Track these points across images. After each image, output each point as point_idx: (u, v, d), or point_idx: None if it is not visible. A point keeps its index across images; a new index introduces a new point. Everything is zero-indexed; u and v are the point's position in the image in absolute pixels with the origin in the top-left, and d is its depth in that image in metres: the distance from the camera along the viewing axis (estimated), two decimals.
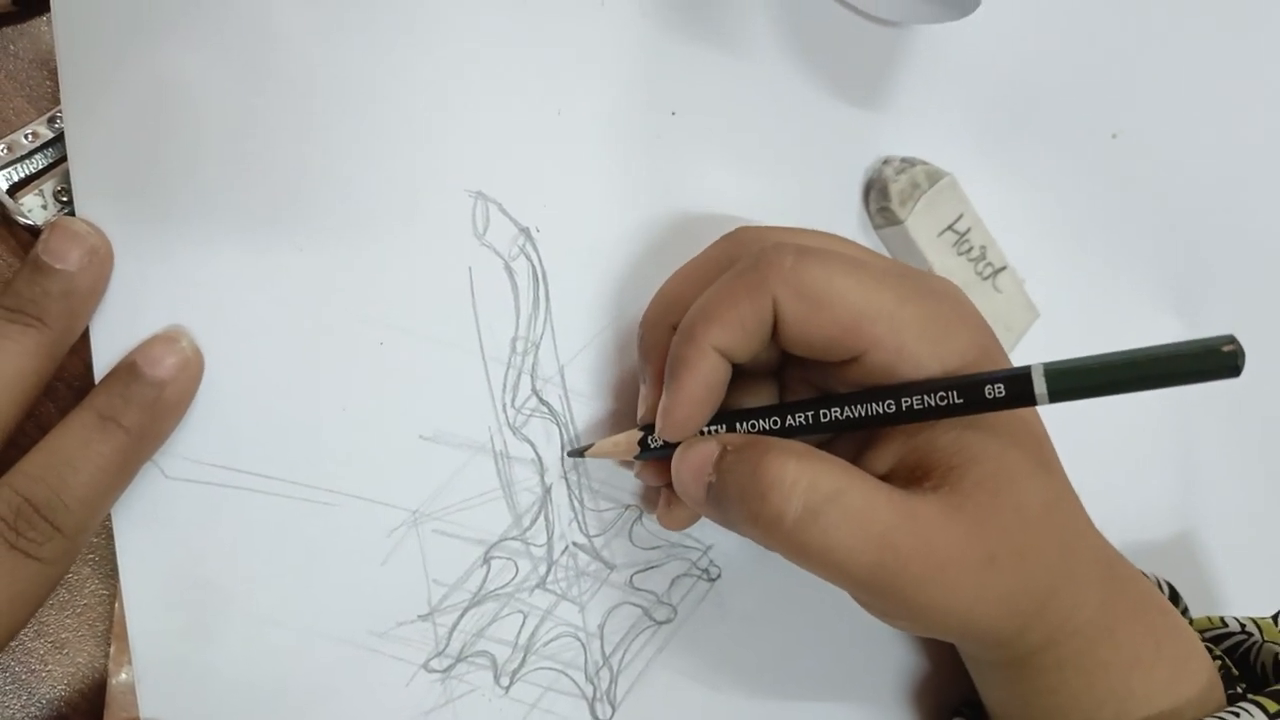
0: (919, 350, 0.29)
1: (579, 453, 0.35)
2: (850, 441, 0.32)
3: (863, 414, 0.29)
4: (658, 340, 0.32)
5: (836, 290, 0.29)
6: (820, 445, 0.31)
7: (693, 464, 0.30)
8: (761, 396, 0.33)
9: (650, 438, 0.32)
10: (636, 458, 0.33)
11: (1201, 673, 0.32)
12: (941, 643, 0.38)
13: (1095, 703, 0.31)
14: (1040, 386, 0.26)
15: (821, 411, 0.30)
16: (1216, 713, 0.31)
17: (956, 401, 0.28)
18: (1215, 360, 0.24)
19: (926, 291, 0.30)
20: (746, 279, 0.29)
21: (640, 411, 0.33)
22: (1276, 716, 0.30)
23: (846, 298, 0.29)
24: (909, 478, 0.29)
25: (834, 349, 0.29)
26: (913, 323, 0.29)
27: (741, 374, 0.31)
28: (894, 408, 0.29)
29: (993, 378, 0.27)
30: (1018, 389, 0.27)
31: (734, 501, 0.29)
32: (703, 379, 0.29)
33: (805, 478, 0.28)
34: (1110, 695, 0.31)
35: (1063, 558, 0.30)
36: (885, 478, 0.30)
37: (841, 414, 0.29)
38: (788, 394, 0.33)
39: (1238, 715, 0.31)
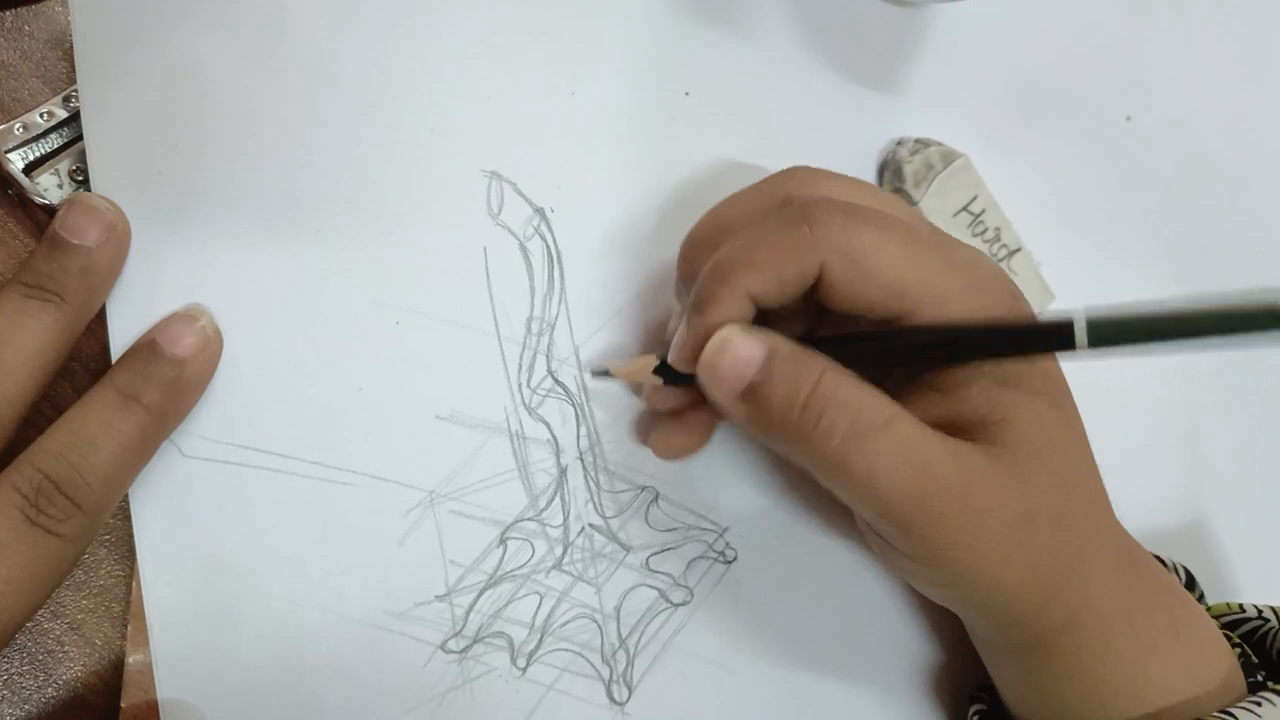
0: (959, 312, 0.29)
1: (604, 373, 0.34)
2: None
3: (905, 345, 0.29)
4: (701, 264, 0.31)
5: (885, 257, 0.28)
6: None
7: (736, 357, 0.28)
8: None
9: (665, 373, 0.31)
10: (665, 382, 0.32)
11: (1220, 660, 0.32)
12: (957, 628, 0.38)
13: (1111, 689, 0.31)
14: (1081, 333, 0.25)
15: (867, 344, 0.29)
16: (1238, 703, 0.31)
17: (1000, 338, 0.28)
18: (1264, 318, 0.23)
19: (964, 259, 0.30)
20: (796, 235, 0.29)
21: (671, 328, 0.32)
22: None
23: (895, 264, 0.28)
24: (948, 430, 0.29)
25: (876, 310, 0.29)
26: (954, 288, 0.29)
27: (765, 313, 0.31)
28: (940, 340, 0.28)
29: (1034, 320, 0.27)
30: (1057, 331, 0.26)
31: (778, 408, 0.28)
32: (727, 319, 0.29)
33: (858, 399, 0.27)
34: (1127, 682, 0.31)
35: (1090, 531, 0.30)
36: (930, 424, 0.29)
37: (884, 346, 0.29)
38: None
39: (1259, 705, 0.30)
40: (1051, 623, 0.31)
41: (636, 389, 0.35)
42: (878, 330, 0.30)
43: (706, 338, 0.29)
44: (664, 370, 0.31)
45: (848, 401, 0.27)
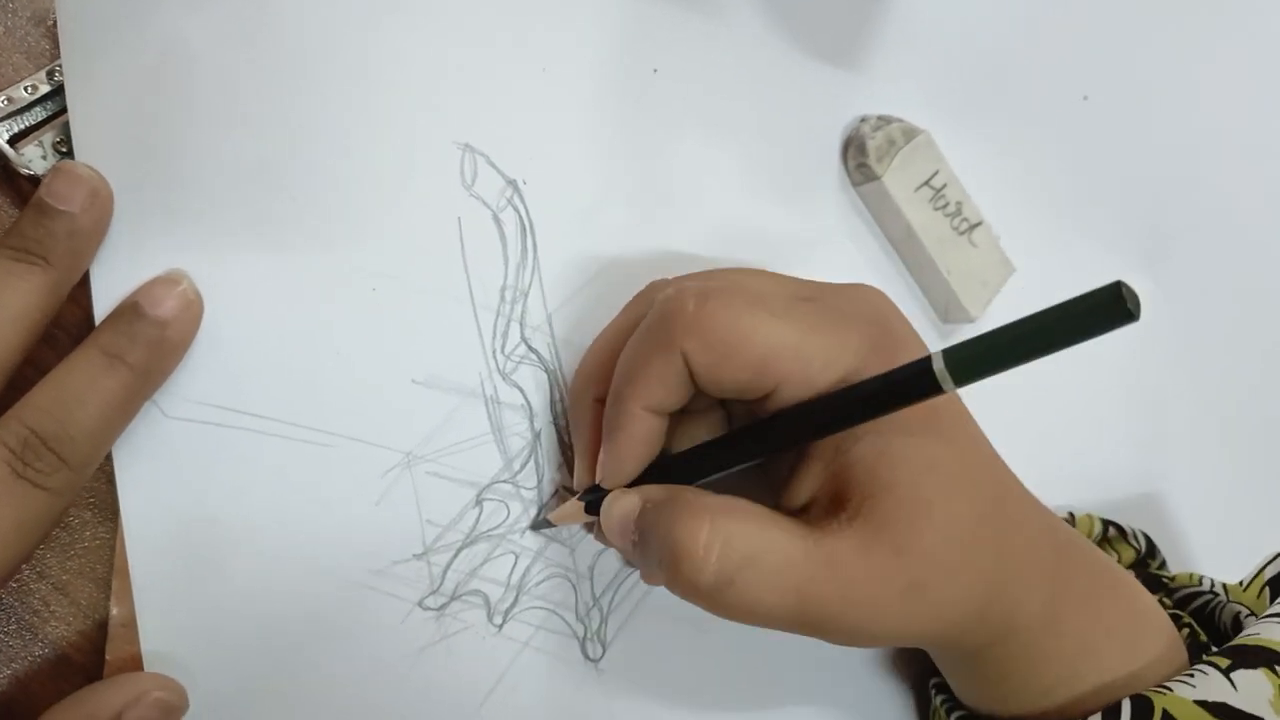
0: (826, 376, 0.29)
1: (543, 524, 0.35)
2: (779, 469, 0.32)
3: (776, 432, 0.30)
4: (582, 414, 0.33)
5: (742, 333, 0.29)
6: (752, 472, 0.32)
7: (616, 521, 0.30)
8: (710, 425, 0.33)
9: (590, 502, 0.33)
10: (591, 515, 0.33)
11: (1158, 640, 0.33)
12: None
13: (1043, 689, 0.33)
14: (943, 374, 0.25)
15: (737, 445, 0.31)
16: (1174, 677, 0.32)
17: (863, 402, 0.27)
18: (1111, 311, 0.22)
19: (833, 311, 0.30)
20: (654, 335, 0.30)
21: (575, 479, 0.34)
22: (1230, 670, 0.31)
23: (752, 339, 0.29)
24: (829, 506, 0.29)
25: (747, 390, 0.29)
26: (816, 349, 0.29)
27: (687, 410, 0.32)
28: (803, 419, 0.29)
29: (891, 374, 0.27)
30: (918, 380, 0.26)
31: (654, 563, 0.29)
32: (637, 437, 0.31)
33: (719, 540, 0.28)
34: (1058, 681, 0.32)
35: (1000, 564, 0.30)
36: (806, 507, 0.30)
37: (756, 439, 0.30)
38: (734, 419, 0.34)
39: (1192, 676, 0.31)
40: (976, 643, 0.32)
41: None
42: (744, 428, 0.31)
43: (630, 459, 0.31)
44: (591, 506, 0.33)
45: (710, 544, 0.28)
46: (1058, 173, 0.46)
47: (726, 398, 0.31)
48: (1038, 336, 0.23)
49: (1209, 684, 0.31)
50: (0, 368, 0.28)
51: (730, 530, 0.28)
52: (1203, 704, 0.30)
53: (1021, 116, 0.45)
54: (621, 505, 0.30)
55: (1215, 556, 0.47)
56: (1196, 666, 0.32)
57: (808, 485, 0.30)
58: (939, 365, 0.25)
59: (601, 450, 0.32)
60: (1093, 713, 0.31)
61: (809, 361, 0.29)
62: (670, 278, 0.33)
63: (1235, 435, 0.49)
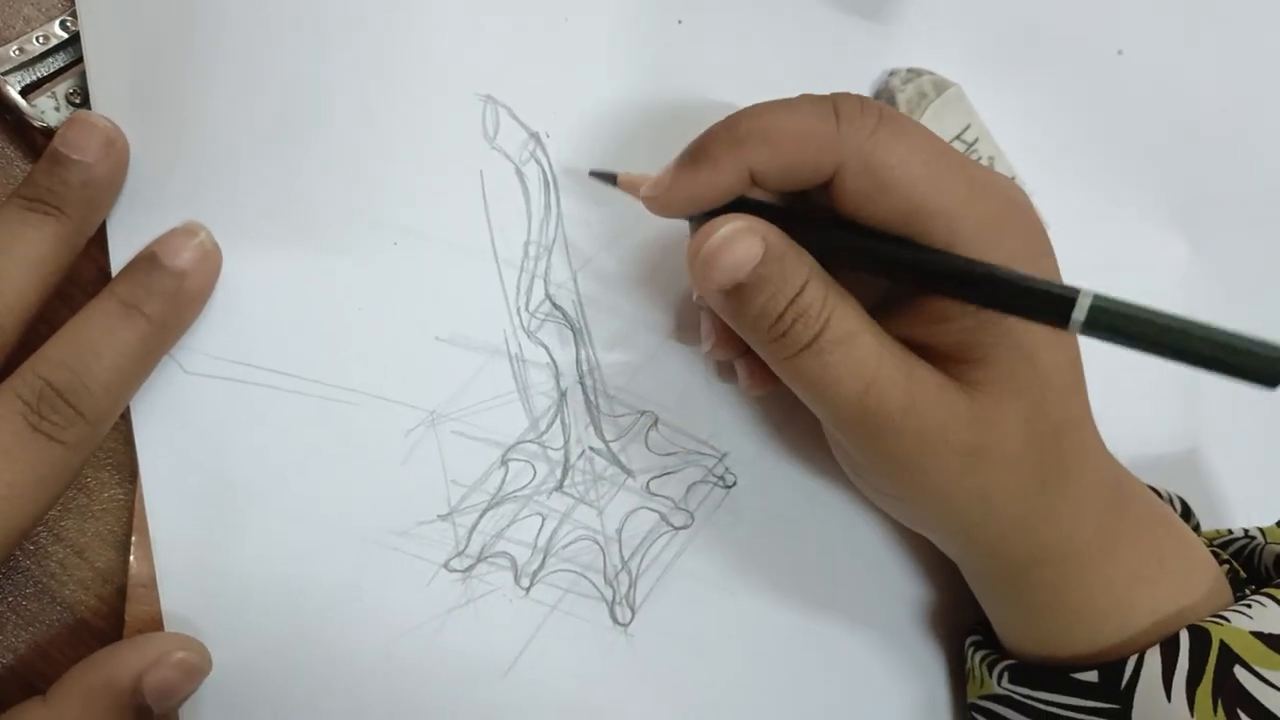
0: (967, 250, 0.28)
1: (604, 176, 0.33)
2: (876, 288, 0.31)
3: (900, 264, 0.28)
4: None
5: (909, 178, 0.27)
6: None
7: (734, 256, 0.28)
8: None
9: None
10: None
11: (1207, 577, 0.33)
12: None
13: (1097, 617, 0.32)
14: (1081, 313, 0.25)
15: (865, 250, 0.29)
16: (1228, 608, 0.31)
17: (993, 290, 0.27)
18: (1262, 364, 0.23)
19: (994, 192, 0.29)
20: (822, 128, 0.28)
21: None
22: None
23: (916, 187, 0.27)
24: (932, 354, 0.29)
25: (883, 225, 0.28)
26: (971, 224, 0.28)
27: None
28: (935, 273, 0.28)
29: (1037, 287, 0.26)
30: (1053, 304, 0.26)
31: (754, 313, 0.28)
32: (719, 187, 0.28)
33: (828, 313, 0.28)
34: (1113, 609, 0.31)
35: (1062, 481, 0.30)
36: (905, 341, 0.29)
37: (879, 258, 0.29)
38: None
39: (1250, 607, 0.31)
40: (1017, 556, 0.31)
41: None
42: (878, 243, 0.29)
43: (687, 196, 0.29)
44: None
45: (819, 314, 0.28)
46: (1091, 128, 0.45)
47: (856, 218, 0.28)
48: (1185, 344, 0.24)
49: (1266, 615, 0.30)
50: (15, 318, 0.28)
51: (842, 308, 0.28)
52: (1259, 635, 0.29)
53: (1054, 70, 0.44)
54: (744, 244, 0.28)
55: (1251, 514, 0.46)
56: (1253, 597, 0.31)
57: (906, 328, 0.30)
58: (1083, 305, 0.25)
59: (670, 168, 0.29)
60: (1146, 647, 0.30)
61: (957, 230, 0.28)
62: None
63: (1274, 397, 0.48)
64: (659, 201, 0.29)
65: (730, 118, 0.29)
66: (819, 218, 0.29)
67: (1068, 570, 0.31)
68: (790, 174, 0.28)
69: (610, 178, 0.33)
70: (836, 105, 0.28)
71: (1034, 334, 0.29)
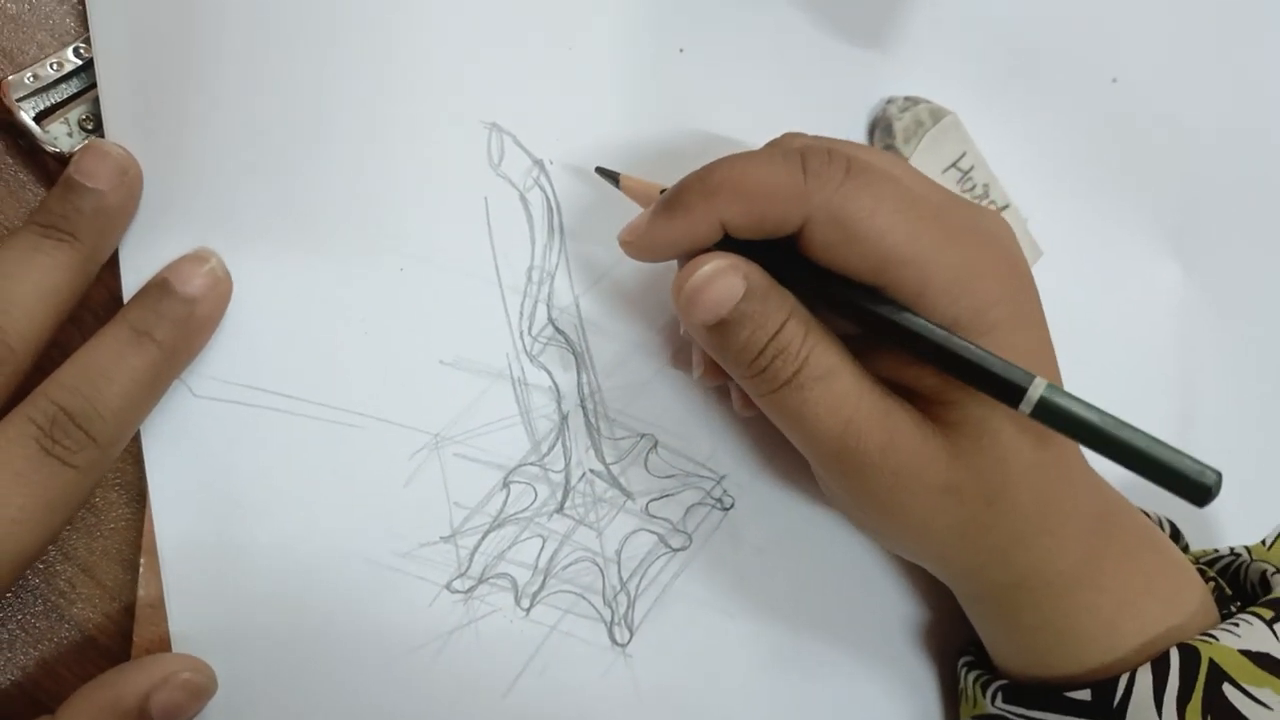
0: (938, 300, 0.28)
1: (608, 174, 0.34)
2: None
3: (870, 317, 0.29)
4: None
5: (877, 228, 0.28)
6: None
7: (717, 293, 0.29)
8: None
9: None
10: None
11: (1193, 601, 0.33)
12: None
13: (1082, 641, 0.32)
14: (1028, 406, 0.28)
15: (837, 295, 0.30)
16: (1214, 627, 0.32)
17: (951, 360, 0.28)
18: (1191, 486, 0.27)
19: (968, 236, 0.29)
20: (790, 181, 0.28)
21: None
22: (1273, 622, 0.31)
23: (884, 238, 0.28)
24: (910, 393, 0.30)
25: (853, 274, 0.29)
26: (942, 271, 0.28)
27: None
28: (898, 332, 0.29)
29: (990, 370, 0.28)
30: (1005, 386, 0.28)
31: (737, 348, 0.29)
32: (692, 235, 0.29)
33: (808, 350, 0.29)
34: (1099, 633, 0.32)
35: (1041, 513, 0.30)
36: (885, 380, 0.30)
37: (850, 308, 0.30)
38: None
39: (1238, 625, 0.31)
40: (997, 580, 0.32)
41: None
42: (850, 292, 0.29)
43: (662, 243, 0.30)
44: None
45: (798, 352, 0.29)
46: (1086, 155, 0.45)
47: (827, 268, 0.29)
48: (1120, 448, 0.27)
49: (1253, 634, 0.31)
50: (27, 345, 0.28)
51: (821, 345, 0.29)
52: (1247, 653, 0.30)
53: (1049, 99, 0.44)
54: (726, 281, 0.29)
55: (1240, 534, 0.47)
56: (1240, 616, 0.32)
57: (884, 366, 0.31)
58: (1032, 397, 0.27)
59: (645, 215, 0.30)
60: (1134, 667, 0.31)
61: (928, 279, 0.28)
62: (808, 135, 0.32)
63: (1268, 418, 0.48)
64: (635, 246, 0.31)
65: (704, 169, 0.29)
66: (797, 260, 0.30)
67: (1048, 595, 0.32)
68: (760, 225, 0.29)
69: (614, 176, 0.34)
70: (804, 158, 0.28)
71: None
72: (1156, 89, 0.46)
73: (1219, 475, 0.27)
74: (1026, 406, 0.27)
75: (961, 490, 0.29)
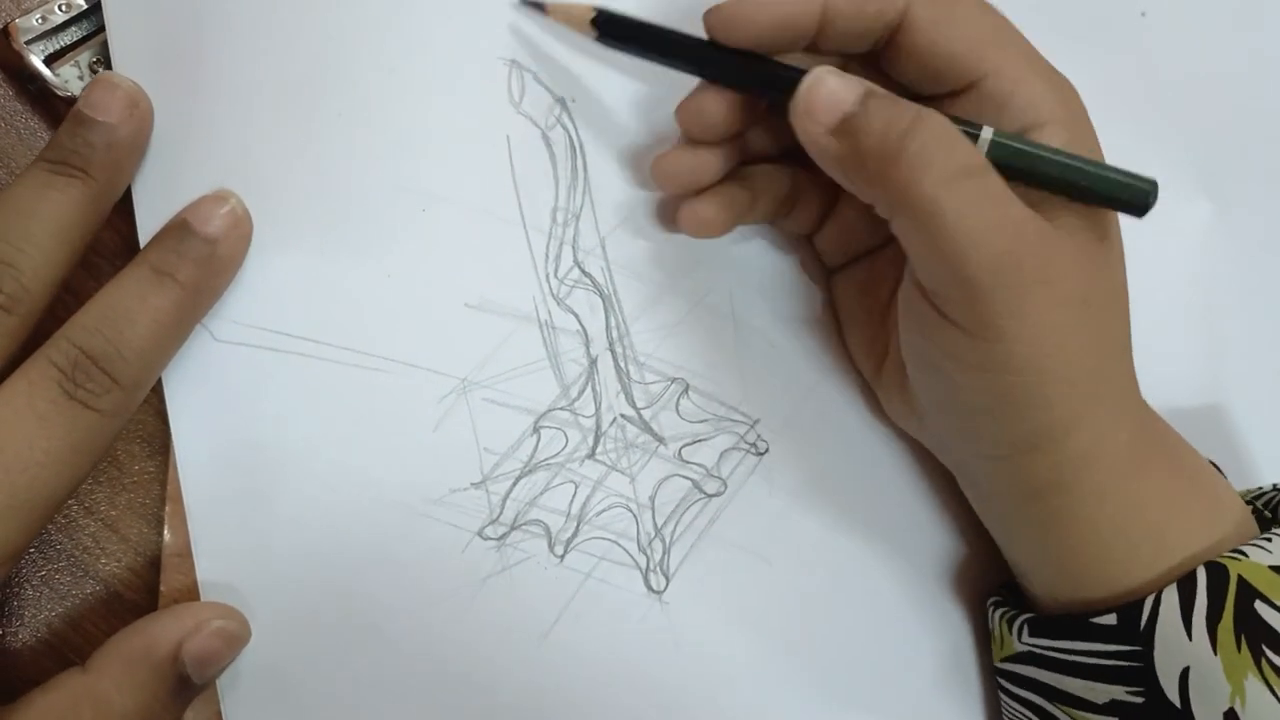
0: (1036, 85, 0.29)
1: (535, 4, 0.33)
2: None
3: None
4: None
5: (975, 6, 0.29)
6: None
7: (831, 91, 0.27)
8: (775, 183, 0.33)
9: (607, 20, 0.30)
10: (601, 36, 0.31)
11: (1235, 510, 0.31)
12: (983, 526, 0.37)
13: (1131, 544, 0.30)
14: (984, 147, 0.28)
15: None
16: (1246, 543, 0.30)
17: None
18: (1131, 192, 0.28)
19: (1055, 74, 0.31)
20: None
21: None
22: None
23: (984, 17, 0.29)
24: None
25: (953, 68, 0.28)
26: (1035, 57, 0.29)
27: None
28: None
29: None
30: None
31: (874, 138, 0.27)
32: (792, 5, 0.28)
33: (956, 137, 0.27)
34: (1148, 534, 0.30)
35: (1119, 358, 0.30)
36: None
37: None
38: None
39: (1270, 541, 0.30)
40: (1069, 453, 0.29)
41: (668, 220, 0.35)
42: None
43: (758, 20, 0.28)
44: (606, 24, 0.30)
45: (947, 135, 0.26)
46: (1113, 91, 0.44)
47: (920, 76, 0.29)
48: (1064, 174, 0.28)
49: None
50: (44, 284, 0.27)
51: (968, 143, 0.27)
52: (1278, 569, 0.29)
53: (1076, 32, 0.43)
54: (837, 83, 0.27)
55: (1275, 474, 0.46)
56: (1273, 532, 0.30)
57: None
58: (984, 140, 0.28)
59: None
60: (1162, 588, 0.29)
61: (1026, 61, 0.29)
62: None
63: None
64: (721, 16, 0.29)
65: None
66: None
67: (1105, 477, 0.29)
68: (864, 11, 0.28)
69: (539, 6, 0.32)
70: None
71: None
72: (1187, 22, 0.45)
73: (1154, 182, 0.29)
74: (982, 148, 0.28)
75: (1091, 300, 0.28)
